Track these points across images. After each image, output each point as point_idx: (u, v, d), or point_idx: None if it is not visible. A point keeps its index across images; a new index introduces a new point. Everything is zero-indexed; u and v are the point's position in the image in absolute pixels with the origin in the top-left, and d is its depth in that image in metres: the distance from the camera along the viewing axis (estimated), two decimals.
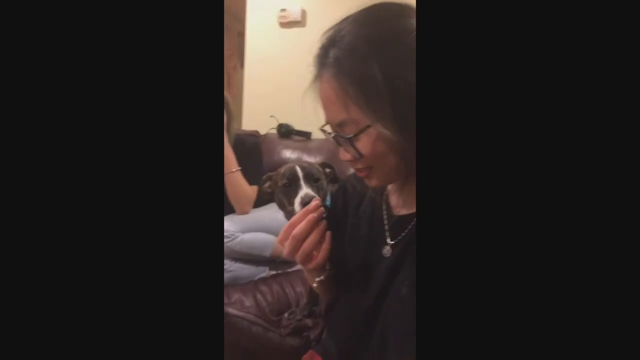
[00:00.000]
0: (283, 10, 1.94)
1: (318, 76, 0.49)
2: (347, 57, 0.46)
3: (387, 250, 0.56)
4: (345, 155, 0.51)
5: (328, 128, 0.53)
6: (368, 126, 0.46)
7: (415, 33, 0.43)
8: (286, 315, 1.10)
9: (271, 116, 1.91)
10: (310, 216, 0.53)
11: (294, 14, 1.92)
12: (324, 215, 0.54)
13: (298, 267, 1.35)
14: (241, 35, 2.18)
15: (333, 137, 0.51)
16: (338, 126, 0.49)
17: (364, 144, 0.48)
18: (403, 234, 0.55)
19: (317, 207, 0.54)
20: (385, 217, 0.59)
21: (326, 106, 0.50)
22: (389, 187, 0.61)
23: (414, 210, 0.55)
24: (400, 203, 0.58)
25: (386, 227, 0.58)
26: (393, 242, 0.56)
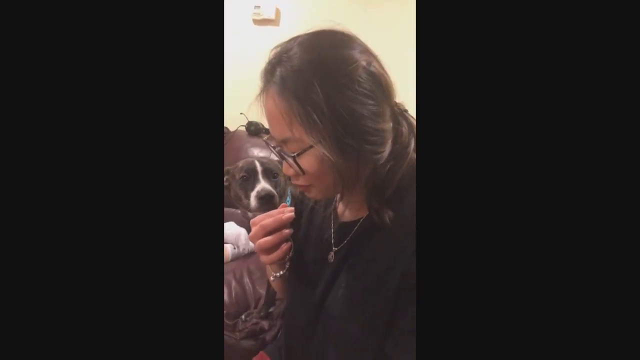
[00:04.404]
0: (257, 7, 1.91)
1: (264, 91, 0.50)
2: (293, 77, 0.47)
3: (331, 256, 0.60)
4: (288, 170, 0.53)
5: (272, 142, 0.54)
6: (310, 146, 0.48)
7: (355, 65, 0.46)
8: (243, 317, 1.08)
9: (241, 113, 1.87)
10: (286, 216, 0.57)
11: (268, 11, 1.90)
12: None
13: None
14: None
15: (277, 152, 0.53)
16: (282, 142, 0.51)
17: (306, 162, 0.49)
18: (346, 240, 0.59)
19: (291, 211, 0.58)
20: (332, 223, 0.63)
21: (271, 122, 0.51)
22: (337, 195, 0.65)
23: (356, 217, 0.59)
24: (344, 210, 0.62)
25: (332, 234, 0.62)
26: (337, 248, 0.60)
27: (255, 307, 1.13)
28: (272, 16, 1.90)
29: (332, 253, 0.60)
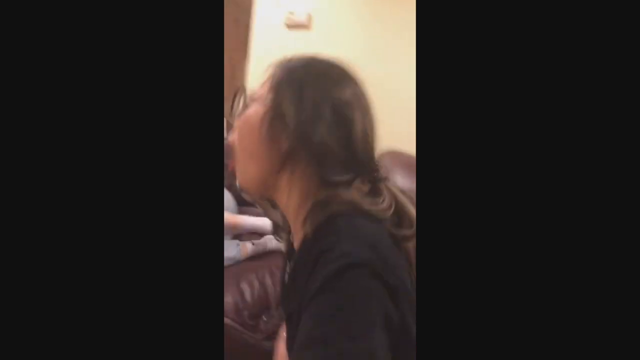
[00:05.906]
0: (291, 12, 1.95)
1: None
2: (295, 64, 0.50)
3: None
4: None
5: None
6: (273, 108, 0.48)
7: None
8: (264, 318, 1.09)
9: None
10: None
11: (301, 16, 1.93)
12: None
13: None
14: (248, 28, 2.18)
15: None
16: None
17: (253, 110, 0.49)
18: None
19: None
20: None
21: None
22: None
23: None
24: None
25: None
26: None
27: (277, 307, 1.13)
28: (305, 21, 1.93)
29: None
